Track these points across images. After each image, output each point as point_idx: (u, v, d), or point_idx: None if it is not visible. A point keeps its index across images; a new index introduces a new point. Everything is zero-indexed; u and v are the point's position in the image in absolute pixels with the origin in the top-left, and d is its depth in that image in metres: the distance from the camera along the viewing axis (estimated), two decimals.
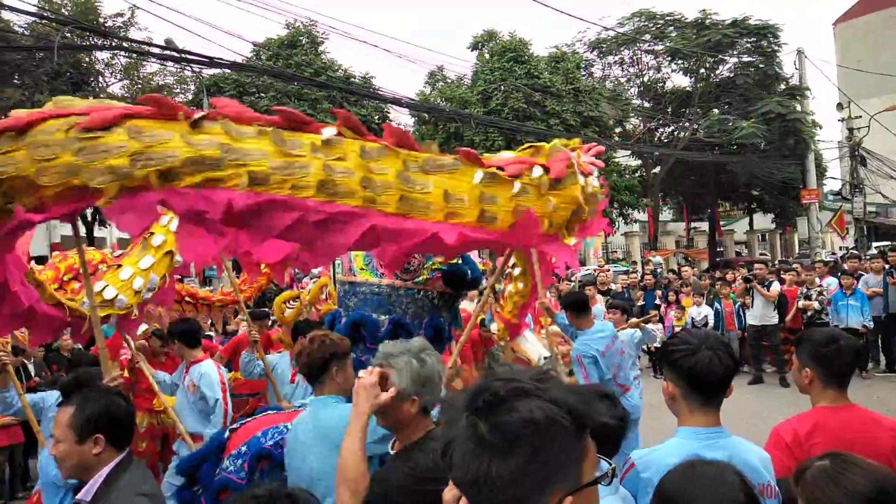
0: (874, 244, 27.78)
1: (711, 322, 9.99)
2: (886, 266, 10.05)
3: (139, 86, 18.87)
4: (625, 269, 18.93)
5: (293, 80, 18.24)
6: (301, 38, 21.82)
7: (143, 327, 5.88)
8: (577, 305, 5.22)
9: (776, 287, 9.78)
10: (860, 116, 25.67)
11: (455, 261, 3.65)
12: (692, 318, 10.05)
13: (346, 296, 3.78)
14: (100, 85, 17.99)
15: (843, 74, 36.82)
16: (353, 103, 21.32)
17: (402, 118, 24.87)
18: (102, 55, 17.48)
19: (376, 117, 22.33)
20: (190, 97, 21.06)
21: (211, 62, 13.87)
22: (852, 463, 1.52)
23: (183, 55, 13.73)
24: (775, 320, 9.61)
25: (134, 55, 15.87)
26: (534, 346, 5.48)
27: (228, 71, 17.92)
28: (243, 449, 2.93)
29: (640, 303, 11.17)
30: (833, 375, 2.35)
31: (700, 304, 10.26)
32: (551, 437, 0.92)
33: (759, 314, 9.65)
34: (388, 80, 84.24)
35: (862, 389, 8.71)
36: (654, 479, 1.82)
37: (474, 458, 0.92)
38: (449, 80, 23.32)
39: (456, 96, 21.66)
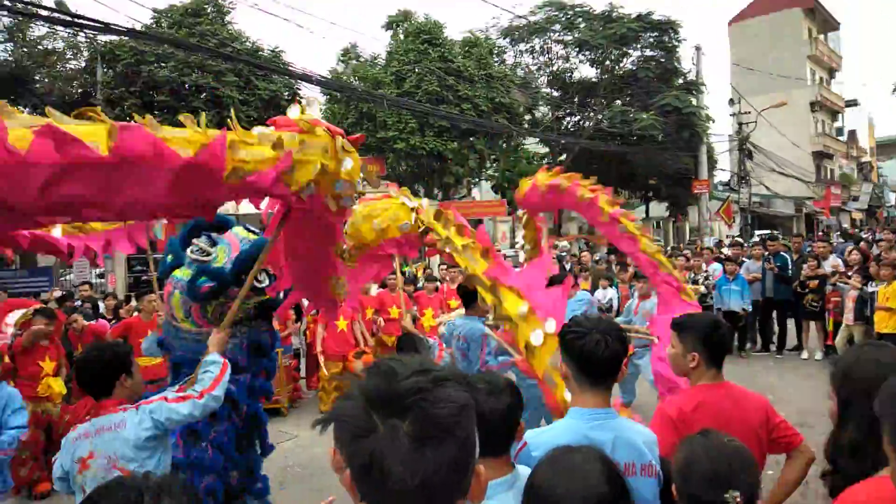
0: (757, 232, 30.00)
1: (616, 305, 10.47)
2: (765, 253, 10.94)
3: (25, 50, 17.44)
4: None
5: (196, 50, 17.37)
6: (206, 6, 20.82)
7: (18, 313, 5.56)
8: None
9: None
10: (749, 112, 27.52)
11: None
12: (598, 300, 10.49)
13: (172, 338, 3.84)
14: None
15: (735, 72, 39.28)
16: (261, 78, 20.62)
17: (313, 96, 24.32)
18: None
19: (286, 93, 21.73)
20: (83, 64, 19.70)
21: (106, 28, 13.05)
22: (711, 441, 1.72)
23: (75, 19, 12.83)
24: None
25: (19, 16, 14.63)
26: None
27: (126, 38, 16.84)
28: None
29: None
30: (716, 357, 2.52)
31: (606, 287, 10.74)
32: (471, 416, 0.96)
33: None
34: (299, 55, 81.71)
35: (742, 368, 9.51)
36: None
37: (415, 459, 0.88)
38: (362, 59, 23.01)
39: (369, 76, 21.41)
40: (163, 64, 18.72)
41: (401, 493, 0.89)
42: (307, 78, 16.74)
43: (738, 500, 1.59)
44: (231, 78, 19.43)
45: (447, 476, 0.91)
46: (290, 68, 18.39)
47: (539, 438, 2.05)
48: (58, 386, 5.74)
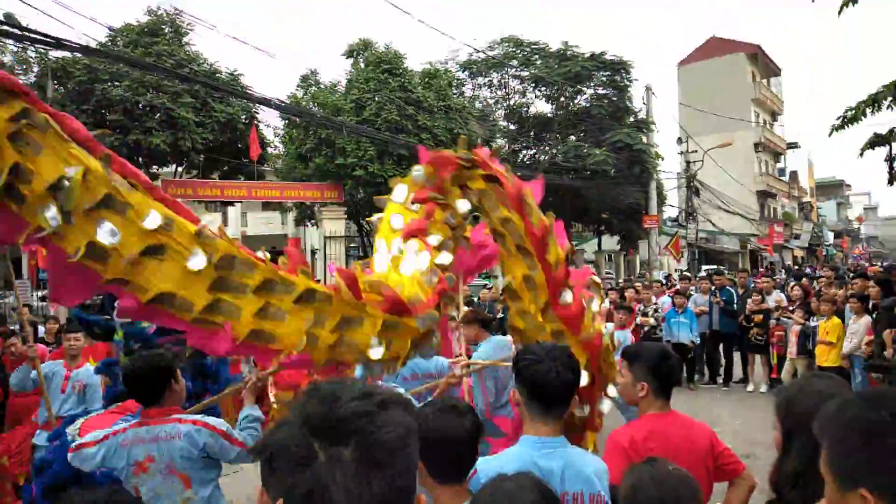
0: (704, 267, 30.90)
1: None
2: (712, 287, 11.28)
3: None
4: (484, 282, 19.61)
5: (153, 70, 17.12)
6: (164, 26, 20.59)
7: None
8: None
9: (606, 303, 10.68)
10: (696, 151, 28.55)
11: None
12: None
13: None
14: None
15: (683, 112, 40.76)
16: (219, 100, 20.41)
17: (272, 120, 24.20)
18: None
19: (243, 116, 21.55)
20: (33, 79, 19.14)
21: (58, 44, 12.76)
22: (657, 469, 1.76)
23: (26, 33, 12.52)
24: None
25: None
26: None
27: (79, 55, 16.47)
28: None
29: (500, 315, 11.66)
30: (664, 388, 2.56)
31: None
32: (415, 442, 0.93)
33: None
34: (257, 80, 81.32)
35: (690, 399, 9.71)
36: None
37: (358, 487, 0.85)
38: (322, 86, 23.04)
39: (329, 102, 21.43)
40: (117, 83, 18.37)
41: None
42: (266, 101, 16.67)
43: None
44: (187, 99, 19.16)
45: (393, 500, 0.88)
46: (249, 92, 18.27)
47: (488, 465, 2.04)
48: None
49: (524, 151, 28.38)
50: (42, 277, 17.47)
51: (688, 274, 15.90)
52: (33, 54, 18.51)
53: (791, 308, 9.75)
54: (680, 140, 29.62)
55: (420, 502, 0.96)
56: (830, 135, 10.41)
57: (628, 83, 26.41)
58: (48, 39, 12.45)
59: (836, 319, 8.32)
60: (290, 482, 0.86)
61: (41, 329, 8.87)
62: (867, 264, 41.35)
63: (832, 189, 71.15)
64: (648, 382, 2.53)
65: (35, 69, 19.18)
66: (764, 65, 49.73)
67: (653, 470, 1.76)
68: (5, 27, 13.10)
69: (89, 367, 5.49)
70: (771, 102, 50.62)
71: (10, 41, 15.76)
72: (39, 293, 17.91)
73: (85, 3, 16.30)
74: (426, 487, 1.80)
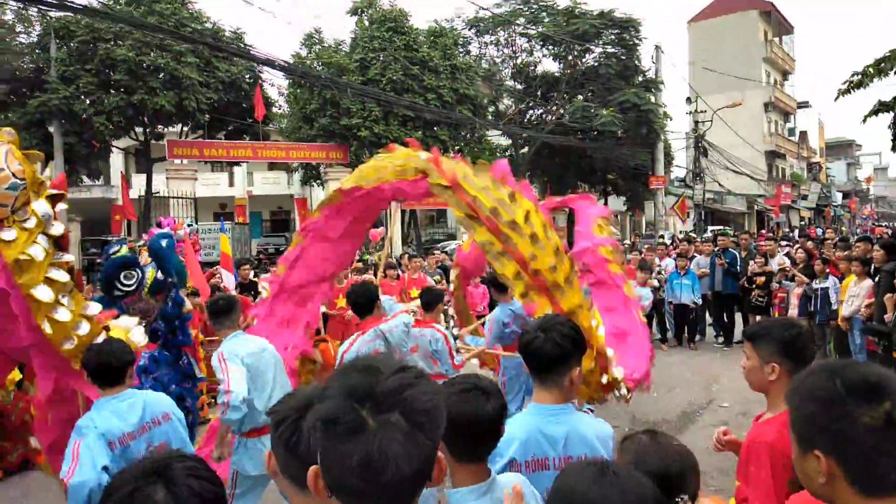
0: (710, 227, 30.87)
1: None
2: (715, 249, 11.34)
3: None
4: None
5: (155, 30, 16.95)
6: None
7: None
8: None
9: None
10: (705, 111, 28.21)
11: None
12: None
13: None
14: None
15: (693, 71, 40.15)
16: (223, 60, 20.23)
17: (276, 80, 24.02)
18: None
19: (247, 76, 21.39)
20: (35, 39, 19.01)
21: (61, 4, 12.65)
22: (660, 442, 1.74)
23: None
24: None
25: None
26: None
27: (81, 15, 16.31)
28: None
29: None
30: (801, 367, 2.06)
31: None
32: (444, 407, 1.02)
33: None
34: (261, 39, 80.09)
35: (691, 358, 9.89)
36: (501, 449, 2.00)
37: (410, 449, 0.93)
38: (326, 45, 22.77)
39: (333, 62, 21.23)
40: (120, 42, 18.22)
41: (396, 483, 0.92)
42: (270, 62, 16.52)
43: (687, 502, 1.62)
44: (191, 59, 19.02)
45: (431, 461, 0.98)
46: (253, 52, 18.10)
47: None
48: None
49: (531, 111, 28.12)
50: None
51: (693, 235, 15.91)
52: (35, 13, 18.32)
53: (789, 273, 9.79)
54: (689, 100, 29.25)
55: (439, 459, 1.06)
56: (837, 99, 10.32)
57: (637, 42, 25.96)
58: (50, 0, 12.35)
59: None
60: (342, 450, 0.92)
61: None
62: (875, 225, 41.26)
63: (842, 149, 70.29)
64: (780, 363, 2.16)
65: (37, 28, 19.02)
66: (776, 22, 48.66)
67: (655, 441, 1.75)
68: None
69: None
70: (783, 61, 49.70)
71: (12, 0, 15.61)
72: None
73: None
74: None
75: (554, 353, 2.11)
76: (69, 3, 12.87)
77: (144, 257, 5.65)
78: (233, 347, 3.77)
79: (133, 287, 5.30)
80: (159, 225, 6.91)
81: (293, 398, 1.19)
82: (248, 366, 3.71)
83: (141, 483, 1.09)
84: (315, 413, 0.97)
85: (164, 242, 5.56)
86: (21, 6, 17.12)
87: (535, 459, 2.10)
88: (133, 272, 5.31)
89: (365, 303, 4.34)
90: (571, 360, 2.15)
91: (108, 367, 2.98)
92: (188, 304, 6.05)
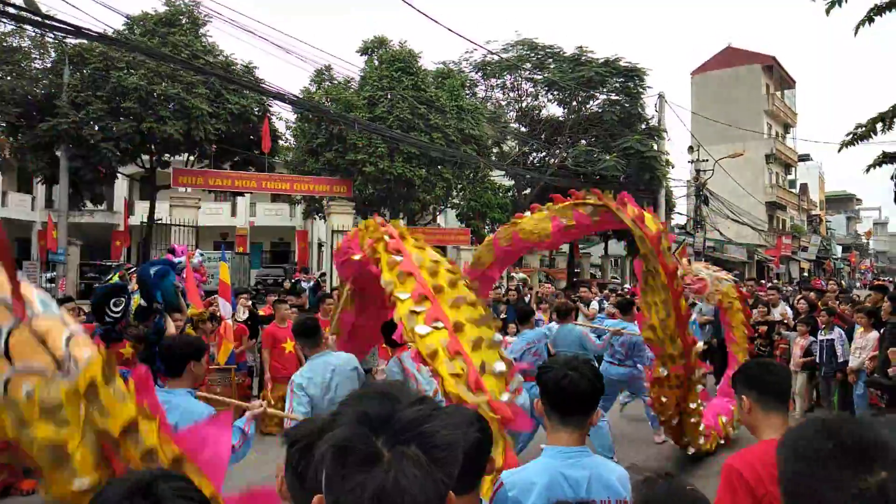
0: None
1: None
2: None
3: None
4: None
5: (168, 60, 17.24)
6: (181, 17, 20.71)
7: None
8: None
9: (594, 306, 11.45)
10: (707, 160, 28.48)
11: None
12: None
13: None
14: None
15: (695, 121, 40.66)
16: (233, 92, 20.51)
17: (284, 114, 24.31)
18: None
19: (256, 109, 21.65)
20: (49, 64, 19.31)
21: (77, 31, 12.89)
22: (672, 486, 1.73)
23: (45, 20, 12.65)
24: None
25: None
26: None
27: (96, 42, 16.61)
28: None
29: (503, 316, 11.72)
30: (773, 401, 2.27)
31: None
32: (462, 440, 0.99)
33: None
34: (271, 73, 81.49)
35: None
36: (521, 496, 1.96)
37: (426, 483, 0.88)
38: (336, 82, 23.13)
39: (342, 98, 21.53)
40: (132, 71, 18.49)
41: None
42: (280, 96, 16.75)
43: None
44: (202, 90, 19.27)
45: (444, 500, 0.93)
46: (263, 85, 18.35)
47: (515, 477, 2.06)
48: None
49: (534, 153, 28.38)
50: (51, 259, 17.63)
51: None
52: (51, 39, 18.64)
53: (784, 324, 9.73)
54: (691, 148, 29.56)
55: (450, 498, 1.00)
56: (840, 151, 10.41)
57: (641, 90, 26.37)
58: (67, 27, 12.58)
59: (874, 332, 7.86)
60: (354, 481, 0.87)
61: None
62: (875, 279, 41.29)
63: (842, 203, 70.86)
64: (747, 395, 2.26)
65: (52, 54, 19.33)
66: (778, 76, 49.54)
67: (669, 486, 1.71)
68: (25, 13, 13.23)
69: None
70: (784, 115, 50.43)
71: (30, 27, 15.90)
72: (48, 275, 18.07)
73: None
74: None
75: (588, 392, 2.06)
76: (86, 31, 13.12)
77: (134, 283, 5.72)
78: (306, 373, 4.21)
79: (120, 314, 5.43)
80: (172, 251, 7.06)
81: (311, 422, 1.14)
82: (312, 396, 4.09)
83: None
84: (327, 440, 0.92)
85: (152, 271, 5.71)
86: (38, 32, 17.43)
87: None
88: (121, 299, 5.45)
89: None
90: (598, 400, 2.12)
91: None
92: (171, 329, 6.10)
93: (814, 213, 57.27)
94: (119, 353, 6.24)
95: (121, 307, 5.41)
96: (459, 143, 22.16)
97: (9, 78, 17.68)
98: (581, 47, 26.17)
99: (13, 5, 12.94)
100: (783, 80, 50.80)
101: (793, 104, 53.38)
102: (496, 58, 26.25)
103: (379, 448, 0.89)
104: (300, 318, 4.80)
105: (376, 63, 22.95)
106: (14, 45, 17.90)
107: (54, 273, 17.67)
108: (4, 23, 16.32)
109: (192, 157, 22.36)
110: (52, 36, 17.57)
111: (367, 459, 0.88)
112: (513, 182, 28.16)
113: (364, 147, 20.60)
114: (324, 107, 21.01)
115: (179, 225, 19.07)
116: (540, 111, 27.76)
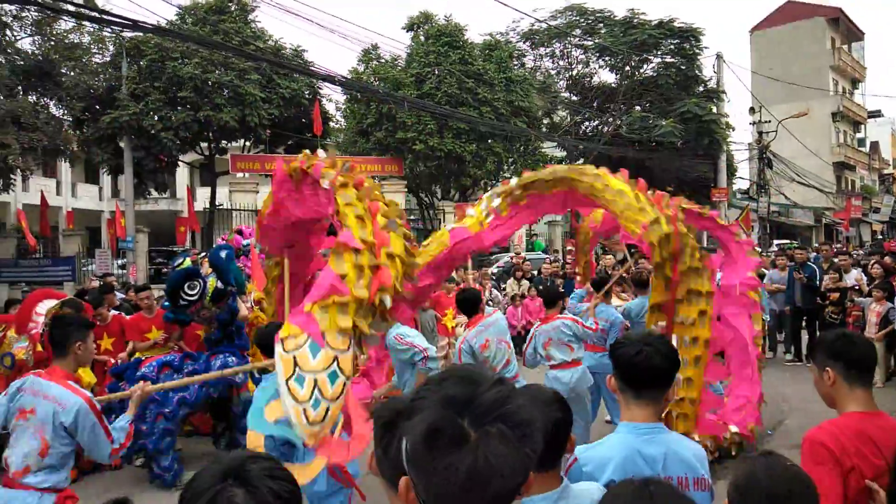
0: (776, 242, 29.76)
1: None
2: (791, 263, 10.85)
3: (51, 43, 17.69)
4: (543, 256, 19.47)
5: (220, 48, 17.55)
6: (230, 3, 21.01)
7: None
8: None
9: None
10: (769, 121, 27.30)
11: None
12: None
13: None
14: (6, 39, 16.74)
15: (756, 80, 38.95)
16: (283, 76, 20.76)
17: (333, 95, 24.50)
18: (11, 7, 16.26)
19: (307, 92, 21.87)
20: (108, 59, 19.94)
21: (133, 25, 13.22)
22: (772, 462, 1.72)
23: (102, 16, 13.02)
24: None
25: (47, 11, 14.85)
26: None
27: (151, 35, 17.04)
28: None
29: (561, 290, 11.57)
30: (857, 374, 2.21)
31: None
32: (541, 417, 1.04)
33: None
34: (319, 55, 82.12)
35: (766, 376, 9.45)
36: (595, 473, 1.97)
37: (517, 459, 0.92)
38: (383, 60, 23.11)
39: (390, 76, 21.50)
40: (186, 60, 18.91)
41: (499, 496, 0.91)
42: (329, 78, 16.87)
43: None
44: (254, 76, 19.58)
45: (529, 474, 0.96)
46: (313, 68, 18.49)
47: (590, 453, 2.07)
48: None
49: (587, 123, 27.79)
50: (121, 246, 18.39)
51: (758, 249, 15.31)
52: (109, 34, 19.21)
53: (865, 289, 9.26)
54: (752, 109, 28.35)
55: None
56: None
57: (698, 51, 25.39)
58: (123, 21, 12.92)
59: None
60: (447, 462, 0.89)
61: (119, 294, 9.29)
62: None
63: None
64: (832, 367, 2.21)
65: (110, 48, 19.94)
66: (845, 29, 46.84)
67: (768, 463, 1.70)
68: (84, 10, 13.65)
69: None
70: (851, 69, 47.74)
71: (88, 23, 16.43)
72: (119, 261, 18.86)
73: None
74: None
75: (663, 367, 2.04)
76: (141, 24, 13.46)
77: (206, 268, 5.87)
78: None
79: (196, 296, 5.54)
80: (240, 233, 7.42)
81: (395, 401, 1.16)
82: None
83: (219, 486, 1.07)
84: (415, 424, 0.94)
85: (223, 254, 5.85)
86: (96, 28, 17.98)
87: None
88: (196, 282, 5.57)
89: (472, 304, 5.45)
90: (673, 376, 2.10)
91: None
92: (243, 311, 6.28)
93: (886, 171, 54.31)
94: (196, 335, 6.48)
95: (196, 290, 5.55)
96: (509, 115, 21.88)
97: (72, 73, 18.32)
98: (633, 10, 25.32)
99: (72, 3, 13.37)
100: (850, 33, 48.00)
101: (861, 57, 50.44)
102: (544, 26, 25.68)
103: (466, 429, 0.91)
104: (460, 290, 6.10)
105: (422, 39, 22.80)
106: (75, 41, 18.50)
107: (125, 260, 18.42)
108: (65, 20, 16.88)
109: (247, 143, 22.83)
110: (110, 30, 18.11)
111: (455, 441, 0.90)
112: (565, 153, 27.68)
113: (413, 125, 20.58)
114: (372, 86, 21.05)
115: (240, 209, 19.56)
116: (591, 78, 27.10)
